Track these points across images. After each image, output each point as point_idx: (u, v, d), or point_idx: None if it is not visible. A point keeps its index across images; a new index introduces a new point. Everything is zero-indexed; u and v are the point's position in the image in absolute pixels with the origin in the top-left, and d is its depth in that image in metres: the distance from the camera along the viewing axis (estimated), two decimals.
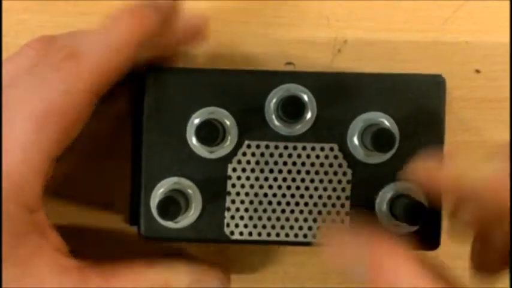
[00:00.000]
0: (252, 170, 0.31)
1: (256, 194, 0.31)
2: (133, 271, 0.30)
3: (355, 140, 0.31)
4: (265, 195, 0.31)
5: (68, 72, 0.29)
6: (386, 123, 0.31)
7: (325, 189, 0.31)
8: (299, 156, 0.31)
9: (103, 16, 0.30)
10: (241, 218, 0.31)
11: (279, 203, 0.31)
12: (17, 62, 0.30)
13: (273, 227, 0.31)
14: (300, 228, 0.31)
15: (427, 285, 0.25)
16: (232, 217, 0.31)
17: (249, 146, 0.31)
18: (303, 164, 0.31)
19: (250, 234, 0.31)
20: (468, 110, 0.37)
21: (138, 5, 0.31)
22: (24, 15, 0.37)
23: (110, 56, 0.29)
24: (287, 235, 0.31)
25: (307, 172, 0.31)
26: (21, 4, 0.37)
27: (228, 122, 0.31)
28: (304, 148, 0.31)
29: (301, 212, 0.31)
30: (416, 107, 0.31)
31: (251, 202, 0.31)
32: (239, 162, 0.31)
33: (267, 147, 0.31)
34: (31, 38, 0.31)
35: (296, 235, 0.31)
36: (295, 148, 0.31)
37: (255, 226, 0.31)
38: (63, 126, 0.29)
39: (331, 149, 0.31)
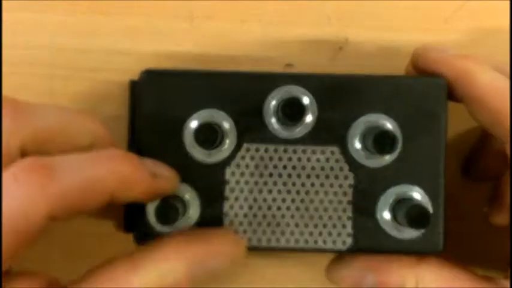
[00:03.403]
0: (251, 174, 0.30)
1: (255, 199, 0.30)
2: (113, 279, 0.26)
3: (357, 143, 0.30)
4: (265, 200, 0.30)
5: (34, 187, 0.24)
6: (389, 125, 0.30)
7: (326, 193, 0.30)
8: (299, 159, 0.30)
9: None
10: (240, 223, 0.30)
11: (278, 208, 0.30)
12: None
13: (273, 232, 0.30)
14: (301, 233, 0.30)
15: None
16: (231, 222, 0.30)
17: (247, 150, 0.30)
18: (303, 167, 0.30)
19: (249, 240, 0.30)
20: None
21: (137, 160, 0.28)
22: (24, 14, 0.36)
23: (86, 186, 0.25)
24: (287, 241, 0.30)
25: (308, 176, 0.30)
26: (20, 3, 0.36)
27: (226, 125, 0.30)
28: (304, 151, 0.30)
29: (301, 217, 0.30)
30: (418, 110, 0.30)
31: (250, 207, 0.30)
32: (237, 166, 0.30)
33: (266, 150, 0.30)
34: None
35: (297, 241, 0.30)
36: (295, 151, 0.30)
37: (254, 232, 0.30)
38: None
39: (332, 153, 0.30)
